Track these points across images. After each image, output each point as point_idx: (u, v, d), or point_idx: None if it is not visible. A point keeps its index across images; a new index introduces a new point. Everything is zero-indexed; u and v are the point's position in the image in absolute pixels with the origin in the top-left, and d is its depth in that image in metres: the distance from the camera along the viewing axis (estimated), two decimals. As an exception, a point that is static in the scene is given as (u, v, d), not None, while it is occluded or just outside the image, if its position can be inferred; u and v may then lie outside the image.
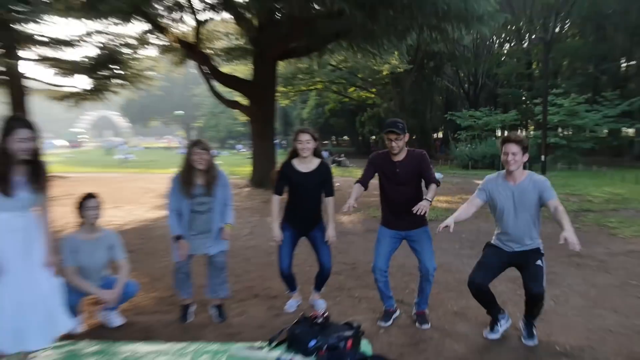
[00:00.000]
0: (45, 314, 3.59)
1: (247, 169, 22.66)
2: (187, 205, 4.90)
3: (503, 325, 4.85)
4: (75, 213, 4.90)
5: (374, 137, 52.92)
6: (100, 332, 4.94)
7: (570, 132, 32.45)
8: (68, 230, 9.42)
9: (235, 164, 35.20)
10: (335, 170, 28.13)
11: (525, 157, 4.52)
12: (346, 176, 22.98)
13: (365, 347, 4.48)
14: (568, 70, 43.77)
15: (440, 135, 55.09)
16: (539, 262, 4.53)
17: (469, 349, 4.54)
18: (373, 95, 40.97)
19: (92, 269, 4.89)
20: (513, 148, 4.46)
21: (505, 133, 39.33)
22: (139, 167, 32.57)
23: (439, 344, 4.64)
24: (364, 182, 4.94)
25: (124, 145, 41.77)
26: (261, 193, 16.74)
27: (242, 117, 49.14)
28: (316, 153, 5.17)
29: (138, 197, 16.10)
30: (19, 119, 3.67)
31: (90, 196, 4.85)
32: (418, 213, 4.41)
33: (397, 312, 5.32)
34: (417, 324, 5.07)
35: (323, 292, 5.72)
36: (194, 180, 4.87)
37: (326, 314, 4.63)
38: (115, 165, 35.22)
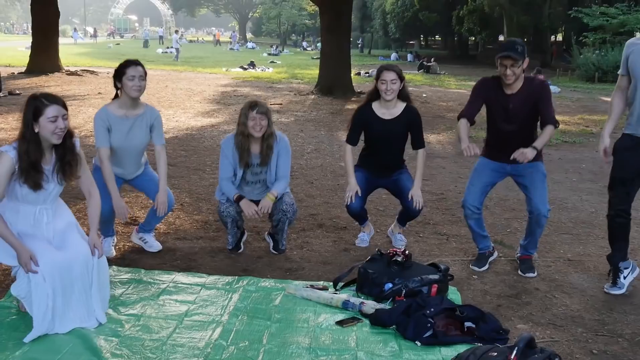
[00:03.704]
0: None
1: (313, 72, 22.47)
2: (239, 173, 5.07)
3: (628, 277, 4.65)
4: (114, 83, 4.77)
5: (473, 38, 51.30)
6: (134, 258, 5.02)
7: None
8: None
9: (298, 65, 34.98)
10: (421, 78, 27.87)
11: None
12: (435, 85, 22.34)
13: (454, 294, 4.41)
14: None
15: (560, 37, 52.83)
16: None
17: (584, 305, 4.40)
18: (476, -16, 39.57)
19: (129, 152, 4.86)
20: None
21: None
22: (182, 64, 32.77)
23: (546, 297, 4.51)
24: (469, 115, 4.84)
25: (176, 36, 41.65)
26: (329, 102, 16.54)
27: (310, 7, 48.66)
28: (402, 95, 5.18)
29: (181, 100, 16.13)
30: (47, 95, 3.58)
31: (133, 63, 4.71)
32: (518, 161, 4.46)
33: (494, 255, 5.22)
34: (519, 271, 4.97)
35: (405, 227, 5.69)
36: (250, 148, 4.99)
37: (407, 252, 4.56)
38: (156, 59, 35.45)
